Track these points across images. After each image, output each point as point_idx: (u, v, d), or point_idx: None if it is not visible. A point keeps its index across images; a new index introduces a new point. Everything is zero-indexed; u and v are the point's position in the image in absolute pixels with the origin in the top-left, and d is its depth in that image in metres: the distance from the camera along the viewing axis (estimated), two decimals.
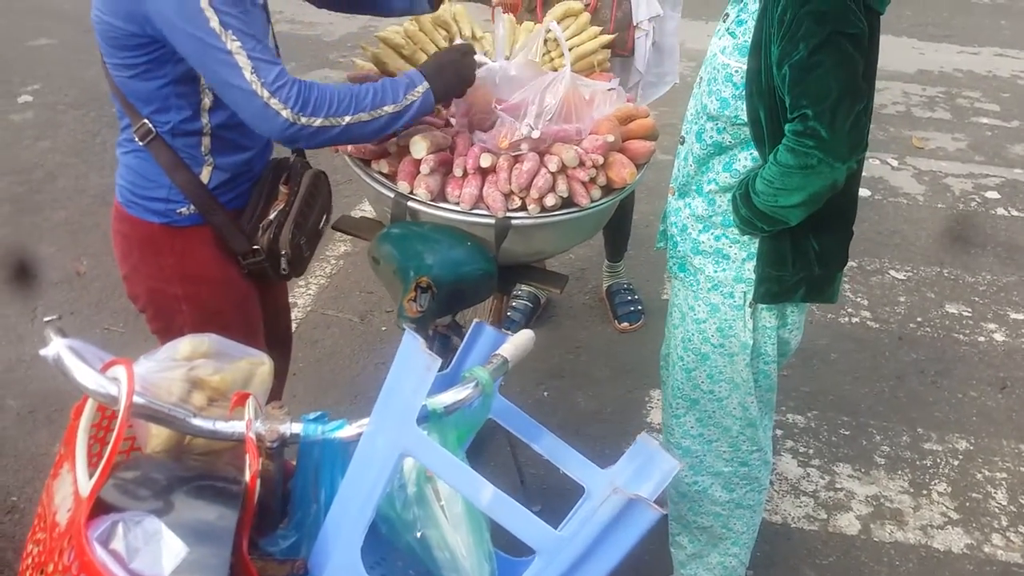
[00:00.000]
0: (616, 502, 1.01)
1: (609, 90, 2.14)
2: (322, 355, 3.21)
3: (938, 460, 2.86)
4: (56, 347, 1.09)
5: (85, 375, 1.08)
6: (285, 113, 1.60)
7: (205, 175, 1.79)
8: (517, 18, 2.46)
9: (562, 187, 1.86)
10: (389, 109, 1.71)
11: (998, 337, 3.41)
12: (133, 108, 1.73)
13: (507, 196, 1.86)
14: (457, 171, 1.87)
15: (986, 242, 3.99)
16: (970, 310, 3.56)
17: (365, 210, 4.05)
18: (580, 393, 3.08)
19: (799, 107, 1.65)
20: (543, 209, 1.87)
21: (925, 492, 2.74)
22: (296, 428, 1.15)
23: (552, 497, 2.58)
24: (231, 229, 1.83)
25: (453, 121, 2.11)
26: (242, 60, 1.58)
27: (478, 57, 2.09)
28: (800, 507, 2.68)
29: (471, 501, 1.06)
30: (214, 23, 1.56)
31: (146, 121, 1.72)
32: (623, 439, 2.89)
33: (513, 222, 1.86)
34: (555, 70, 2.25)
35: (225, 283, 1.88)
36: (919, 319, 3.50)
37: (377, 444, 1.08)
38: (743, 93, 1.75)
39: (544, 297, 3.42)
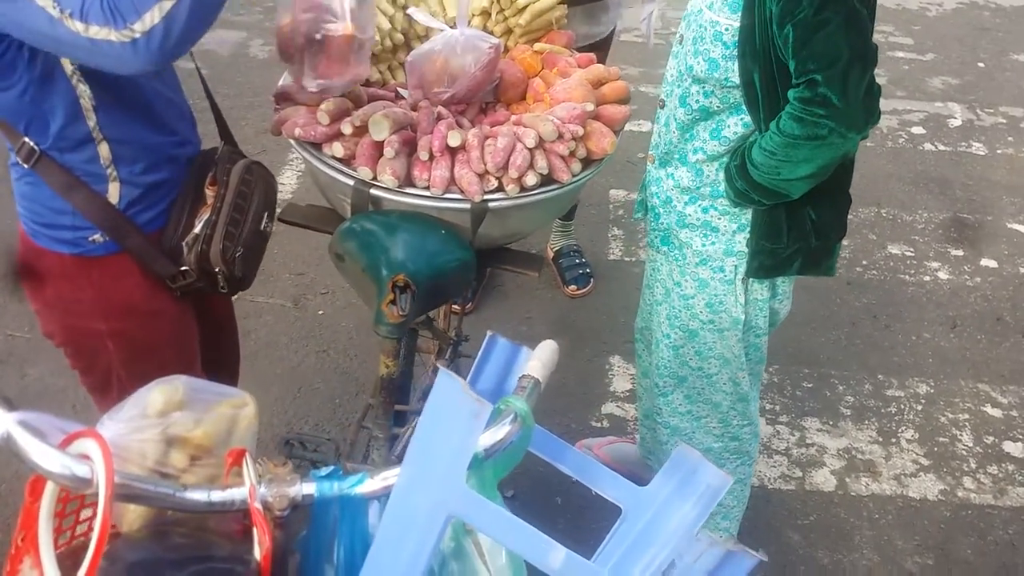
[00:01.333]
0: (714, 555, 0.88)
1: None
2: (257, 347, 2.98)
3: (902, 406, 2.85)
4: (4, 424, 0.88)
5: (46, 456, 0.87)
6: (115, 36, 1.23)
7: (113, 193, 1.49)
8: None
9: (541, 163, 1.68)
10: None
11: (942, 276, 3.42)
12: (7, 126, 1.43)
13: (481, 176, 1.68)
14: (423, 154, 1.67)
15: (917, 179, 4.00)
16: (912, 250, 3.56)
17: (283, 184, 3.78)
18: None
19: (806, 71, 1.51)
20: (522, 189, 1.69)
21: (894, 440, 2.73)
22: (308, 488, 0.97)
23: (522, 479, 2.46)
24: (151, 252, 1.54)
25: (404, 93, 1.91)
26: None
27: (428, 20, 1.88)
28: (775, 467, 2.62)
29: (537, 566, 0.90)
30: None
31: (26, 140, 1.42)
32: (589, 411, 2.78)
33: (491, 205, 1.68)
34: (510, 30, 2.07)
35: (156, 314, 1.61)
36: (864, 262, 3.48)
37: (416, 504, 0.91)
38: (734, 53, 1.60)
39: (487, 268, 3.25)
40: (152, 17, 1.24)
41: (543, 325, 3.10)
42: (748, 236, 1.78)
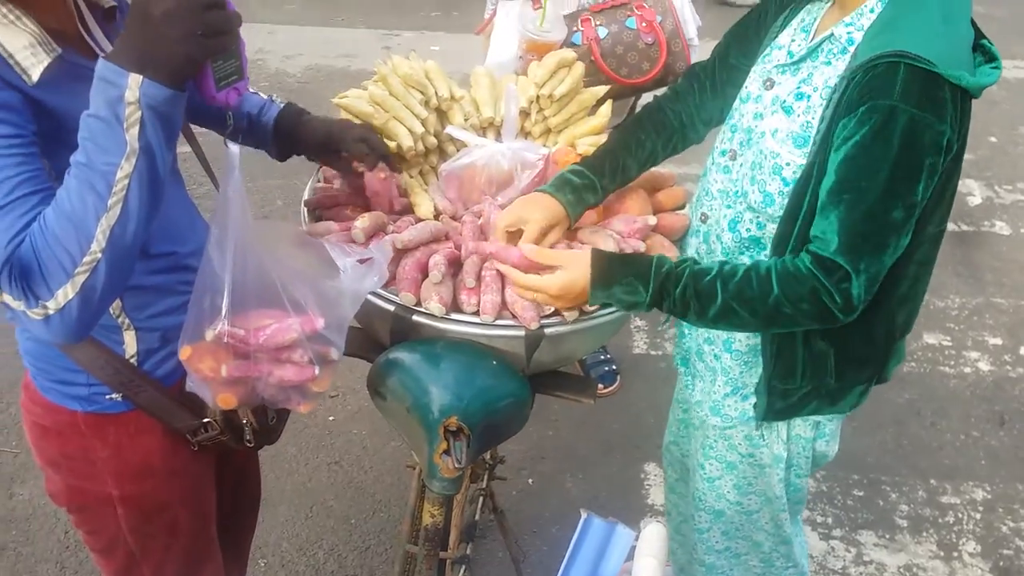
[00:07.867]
0: None
1: None
2: (263, 459, 2.73)
3: (959, 515, 2.66)
4: None
5: None
6: (30, 312, 1.05)
7: (130, 343, 1.31)
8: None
9: None
10: (127, 167, 1.02)
11: (983, 366, 3.26)
12: None
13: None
14: (469, 281, 1.49)
15: (945, 262, 3.87)
16: (949, 339, 3.40)
17: None
18: (568, 476, 2.74)
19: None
20: (581, 312, 1.52)
21: (956, 555, 2.53)
22: None
23: None
24: (168, 407, 1.35)
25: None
26: None
27: (467, 137, 1.72)
28: None
29: None
30: None
31: None
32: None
33: (547, 331, 1.50)
34: (549, 130, 1.93)
35: (174, 473, 1.42)
36: None
37: None
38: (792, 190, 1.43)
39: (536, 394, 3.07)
40: (66, 293, 1.05)
41: (570, 430, 2.91)
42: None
